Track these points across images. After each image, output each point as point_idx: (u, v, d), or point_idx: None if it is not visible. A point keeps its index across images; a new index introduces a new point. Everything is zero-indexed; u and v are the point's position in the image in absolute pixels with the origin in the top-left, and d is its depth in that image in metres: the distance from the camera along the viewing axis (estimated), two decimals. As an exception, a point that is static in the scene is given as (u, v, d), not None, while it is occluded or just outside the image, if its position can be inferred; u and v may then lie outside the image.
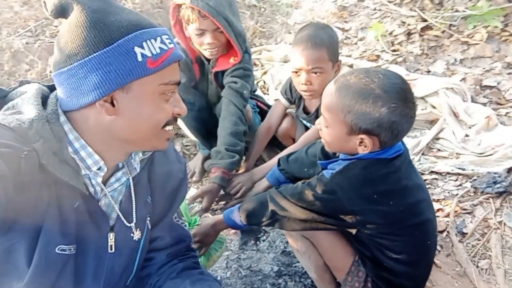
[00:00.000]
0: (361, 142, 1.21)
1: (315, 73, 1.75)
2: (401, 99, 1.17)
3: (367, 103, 1.16)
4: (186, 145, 2.68)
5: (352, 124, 1.19)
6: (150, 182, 1.12)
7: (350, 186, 1.25)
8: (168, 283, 1.15)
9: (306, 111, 2.04)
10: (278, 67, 3.07)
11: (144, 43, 0.86)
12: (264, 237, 1.95)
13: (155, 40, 0.88)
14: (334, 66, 1.80)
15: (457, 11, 3.05)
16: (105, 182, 1.00)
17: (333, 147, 1.31)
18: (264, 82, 3.02)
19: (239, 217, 1.48)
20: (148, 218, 1.13)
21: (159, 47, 0.88)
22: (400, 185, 1.26)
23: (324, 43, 1.73)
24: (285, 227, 1.42)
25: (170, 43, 0.91)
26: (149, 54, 0.87)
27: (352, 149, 1.25)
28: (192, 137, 2.34)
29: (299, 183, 1.38)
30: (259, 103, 2.37)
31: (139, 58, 0.86)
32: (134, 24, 0.87)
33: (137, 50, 0.85)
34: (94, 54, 0.84)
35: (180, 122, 2.23)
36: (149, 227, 1.14)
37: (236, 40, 1.91)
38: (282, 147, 2.18)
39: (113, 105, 0.88)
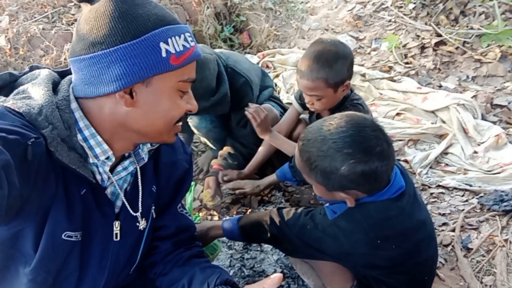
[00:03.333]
0: (345, 196, 1.16)
1: (315, 98, 1.73)
2: (360, 150, 1.08)
3: (326, 166, 1.10)
4: (195, 142, 2.68)
5: (324, 183, 1.15)
6: (155, 172, 1.12)
7: (352, 231, 1.20)
8: (175, 270, 1.16)
9: (319, 118, 2.04)
10: (291, 71, 3.08)
11: (169, 40, 0.87)
12: (269, 239, 1.96)
13: (179, 37, 0.89)
14: (338, 90, 1.70)
15: (472, 28, 3.06)
16: (111, 170, 1.00)
17: (327, 200, 1.27)
18: (276, 85, 3.03)
19: (237, 229, 1.44)
20: (153, 207, 1.13)
21: (182, 45, 0.89)
22: (403, 227, 1.21)
23: (322, 72, 1.62)
24: (284, 252, 1.40)
25: (192, 41, 0.92)
26: (173, 51, 0.87)
27: (342, 200, 1.19)
28: (209, 144, 2.41)
29: (302, 213, 1.34)
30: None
31: (163, 54, 0.86)
32: (161, 19, 0.87)
33: (162, 45, 0.86)
34: (121, 45, 0.83)
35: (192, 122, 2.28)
36: (154, 216, 1.15)
37: None
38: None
39: (132, 97, 0.88)
